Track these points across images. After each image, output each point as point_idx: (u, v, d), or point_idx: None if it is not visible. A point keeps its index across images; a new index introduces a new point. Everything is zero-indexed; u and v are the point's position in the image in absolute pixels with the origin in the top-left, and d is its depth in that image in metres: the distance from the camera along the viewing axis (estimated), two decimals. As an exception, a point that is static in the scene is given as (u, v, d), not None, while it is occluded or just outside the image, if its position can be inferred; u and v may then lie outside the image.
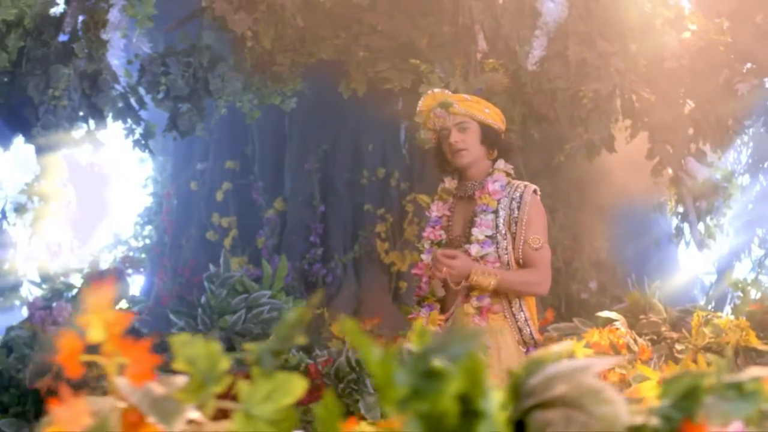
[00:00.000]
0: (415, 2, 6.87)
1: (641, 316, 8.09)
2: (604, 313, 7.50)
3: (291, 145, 10.72)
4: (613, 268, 10.04)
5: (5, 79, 6.35)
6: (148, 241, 12.78)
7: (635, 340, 6.93)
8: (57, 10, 6.00)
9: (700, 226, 7.89)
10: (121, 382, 1.31)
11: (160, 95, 6.54)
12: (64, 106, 5.67)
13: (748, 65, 7.59)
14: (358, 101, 8.03)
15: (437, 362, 0.93)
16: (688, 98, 7.49)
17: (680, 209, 8.00)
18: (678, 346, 7.37)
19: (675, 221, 9.94)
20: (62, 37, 6.00)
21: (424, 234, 4.29)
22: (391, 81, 6.58)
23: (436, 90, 4.32)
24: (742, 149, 10.77)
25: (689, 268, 11.40)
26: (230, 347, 7.40)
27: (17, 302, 10.91)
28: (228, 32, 6.36)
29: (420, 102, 4.28)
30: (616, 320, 7.46)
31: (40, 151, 7.16)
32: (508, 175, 4.21)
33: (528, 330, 4.15)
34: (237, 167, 11.17)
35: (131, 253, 12.43)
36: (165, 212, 12.09)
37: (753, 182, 10.91)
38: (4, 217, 11.11)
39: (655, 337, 7.62)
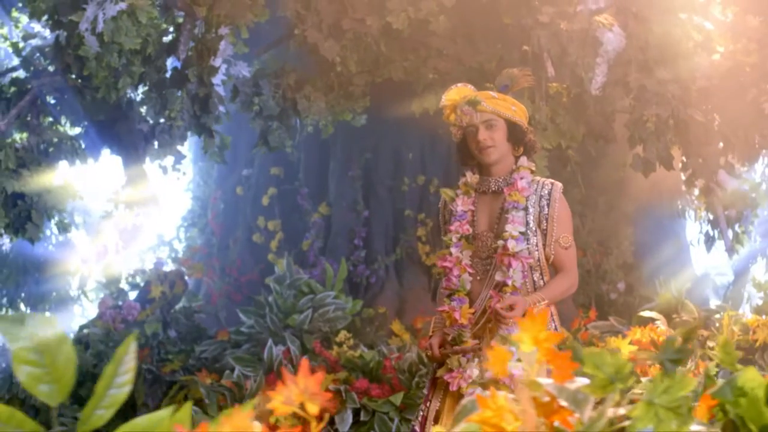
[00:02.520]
0: (478, 29, 7.46)
1: (674, 315, 8.69)
2: (645, 313, 8.13)
3: (335, 153, 11.28)
4: (639, 270, 10.65)
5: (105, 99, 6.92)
6: (189, 242, 13.34)
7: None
8: (167, 38, 6.57)
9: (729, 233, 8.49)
10: (545, 381, 1.95)
11: (252, 114, 7.13)
12: (179, 126, 6.24)
13: (770, 85, 8.08)
14: (397, 114, 8.61)
15: None
16: (717, 115, 8.00)
17: (710, 216, 8.61)
18: (710, 344, 7.96)
19: (698, 226, 10.60)
20: (170, 63, 6.58)
21: (452, 228, 4.29)
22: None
23: (459, 84, 4.33)
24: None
25: (703, 268, 12.04)
26: (302, 344, 7.96)
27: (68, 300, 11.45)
28: (317, 57, 6.96)
29: (444, 96, 4.28)
30: (657, 319, 8.10)
31: (127, 162, 7.73)
32: (531, 172, 4.28)
33: (553, 325, 4.22)
34: (281, 173, 11.74)
35: (176, 255, 13.02)
36: (212, 216, 12.67)
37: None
38: (74, 222, 11.66)
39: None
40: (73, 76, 6.87)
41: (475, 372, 4.04)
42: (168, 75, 6.49)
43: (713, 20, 7.81)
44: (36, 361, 1.69)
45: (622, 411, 1.82)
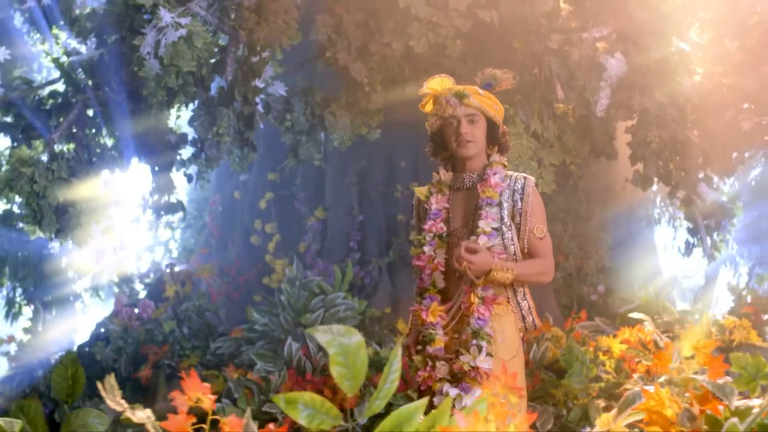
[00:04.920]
0: (490, 53, 8.01)
1: (655, 317, 9.33)
2: (634, 315, 8.75)
3: (332, 161, 11.79)
4: (616, 273, 11.31)
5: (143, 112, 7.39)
6: (185, 243, 13.79)
7: (660, 338, 8.19)
8: (212, 60, 7.07)
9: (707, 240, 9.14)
10: (701, 377, 2.55)
11: (283, 129, 7.67)
12: (226, 141, 6.75)
13: (746, 105, 8.61)
14: (392, 124, 9.12)
15: None
16: (698, 131, 8.56)
17: (689, 225, 9.24)
18: (689, 343, 8.60)
19: (670, 232, 11.31)
20: (213, 82, 7.09)
21: (426, 227, 4.29)
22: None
23: (441, 75, 4.36)
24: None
25: (670, 272, 12.76)
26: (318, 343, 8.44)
27: (71, 298, 11.77)
28: (346, 77, 7.51)
29: (425, 84, 4.31)
30: (645, 320, 8.74)
31: (155, 170, 8.19)
32: (504, 167, 4.30)
33: (531, 318, 4.24)
34: (277, 179, 12.25)
35: (171, 255, 13.45)
36: (211, 218, 13.15)
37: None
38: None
39: (670, 335, 8.81)
40: (106, 91, 7.35)
41: (443, 369, 4.06)
42: (213, 94, 6.99)
43: (690, 42, 8.26)
44: (343, 363, 2.27)
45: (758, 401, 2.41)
